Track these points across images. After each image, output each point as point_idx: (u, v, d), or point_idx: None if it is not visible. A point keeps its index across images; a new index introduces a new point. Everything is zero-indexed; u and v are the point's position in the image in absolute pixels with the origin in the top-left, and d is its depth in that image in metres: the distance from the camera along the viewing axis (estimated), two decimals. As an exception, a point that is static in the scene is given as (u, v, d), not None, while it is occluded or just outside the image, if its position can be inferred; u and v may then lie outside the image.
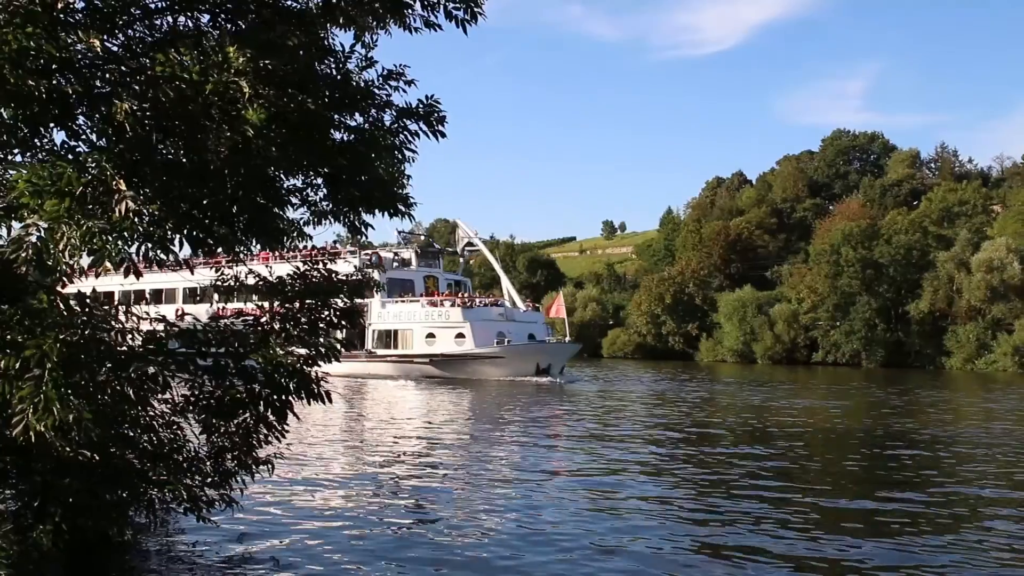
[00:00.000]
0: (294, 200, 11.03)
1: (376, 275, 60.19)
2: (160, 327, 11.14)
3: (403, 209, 11.25)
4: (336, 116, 10.60)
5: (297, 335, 11.52)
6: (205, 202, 9.67)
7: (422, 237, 75.08)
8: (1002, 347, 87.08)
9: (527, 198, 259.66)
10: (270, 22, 9.95)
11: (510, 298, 66.03)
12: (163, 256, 9.24)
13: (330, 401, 11.33)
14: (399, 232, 71.63)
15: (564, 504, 16.73)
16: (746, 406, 40.89)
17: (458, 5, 10.66)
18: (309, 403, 11.30)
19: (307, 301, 11.83)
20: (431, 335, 61.49)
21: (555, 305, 67.10)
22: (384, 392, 48.79)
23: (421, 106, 10.93)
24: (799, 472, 21.70)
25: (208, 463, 11.95)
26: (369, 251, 68.78)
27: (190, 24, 10.41)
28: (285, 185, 10.86)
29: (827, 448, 26.79)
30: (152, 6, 10.36)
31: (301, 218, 11.24)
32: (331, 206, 11.22)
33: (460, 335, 60.23)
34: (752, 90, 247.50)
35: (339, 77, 10.66)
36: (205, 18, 10.51)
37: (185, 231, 9.61)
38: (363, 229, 11.45)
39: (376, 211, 11.28)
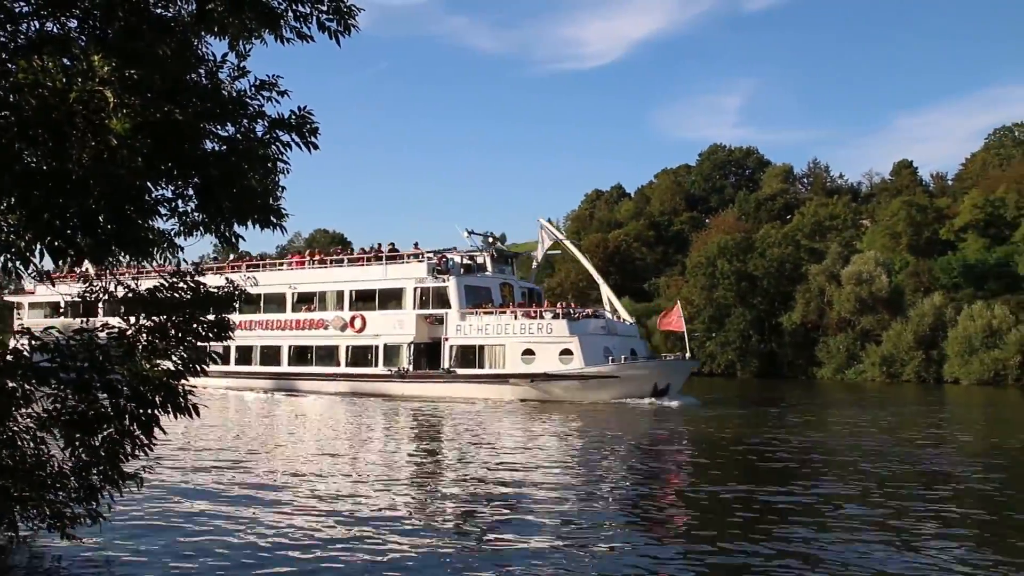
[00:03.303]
0: (163, 211, 10.87)
1: (452, 283, 55.66)
2: (24, 340, 10.90)
3: (275, 221, 11.19)
4: (206, 126, 10.50)
5: (164, 348, 11.35)
6: (68, 212, 9.48)
7: (492, 239, 64.44)
8: (870, 357, 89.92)
9: (406, 210, 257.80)
10: (138, 30, 9.81)
11: (612, 309, 58.96)
12: (22, 267, 9.05)
13: (197, 415, 11.18)
14: (469, 232, 62.88)
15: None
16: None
17: (331, 16, 10.67)
18: (176, 417, 11.13)
19: (175, 315, 11.63)
20: (529, 351, 52.64)
21: (672, 317, 56.80)
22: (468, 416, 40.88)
23: (294, 117, 10.90)
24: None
25: (73, 478, 11.68)
26: (436, 253, 59.60)
27: (57, 30, 10.20)
28: (153, 195, 10.69)
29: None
30: (17, 10, 10.12)
31: (171, 229, 11.09)
32: (202, 217, 11.08)
33: (566, 351, 51.58)
34: (631, 104, 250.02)
35: (210, 87, 10.56)
36: (73, 23, 10.30)
37: (47, 241, 9.41)
38: (235, 241, 11.33)
39: (248, 223, 11.19)
